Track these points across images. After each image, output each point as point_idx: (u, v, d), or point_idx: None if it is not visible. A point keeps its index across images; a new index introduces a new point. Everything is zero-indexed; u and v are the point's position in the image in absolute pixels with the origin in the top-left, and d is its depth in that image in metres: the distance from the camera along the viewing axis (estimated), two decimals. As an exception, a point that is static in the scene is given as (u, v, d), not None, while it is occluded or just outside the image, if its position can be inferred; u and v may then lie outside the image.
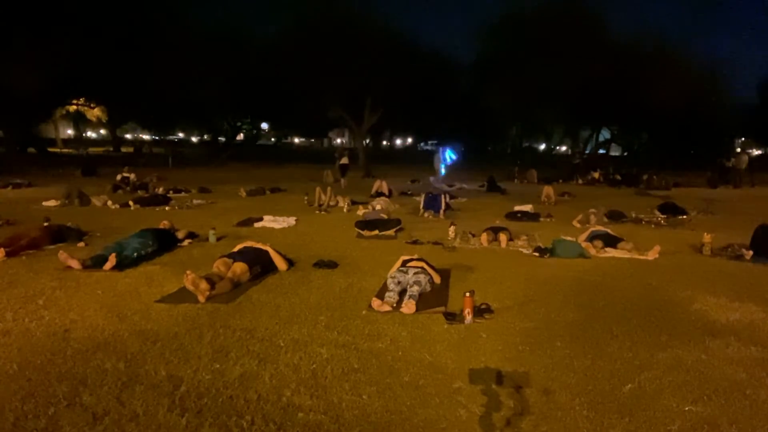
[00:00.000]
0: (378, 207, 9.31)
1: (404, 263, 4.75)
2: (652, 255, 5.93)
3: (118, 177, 14.05)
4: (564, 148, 48.90)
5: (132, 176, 14.09)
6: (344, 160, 17.46)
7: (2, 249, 5.30)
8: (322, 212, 9.69)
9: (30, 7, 19.59)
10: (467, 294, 3.70)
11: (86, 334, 3.36)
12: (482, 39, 33.26)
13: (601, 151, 40.63)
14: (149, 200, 10.44)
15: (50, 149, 32.91)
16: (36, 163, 22.33)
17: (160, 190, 12.47)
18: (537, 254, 6.00)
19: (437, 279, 4.61)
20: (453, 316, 3.75)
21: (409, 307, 3.87)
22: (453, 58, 35.17)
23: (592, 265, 5.56)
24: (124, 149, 37.96)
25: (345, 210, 9.90)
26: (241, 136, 44.28)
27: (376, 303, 3.94)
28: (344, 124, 36.41)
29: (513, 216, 9.13)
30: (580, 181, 19.48)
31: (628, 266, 5.56)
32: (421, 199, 10.05)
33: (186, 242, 6.32)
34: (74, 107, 33.57)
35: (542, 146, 53.00)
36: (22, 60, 19.39)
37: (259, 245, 5.19)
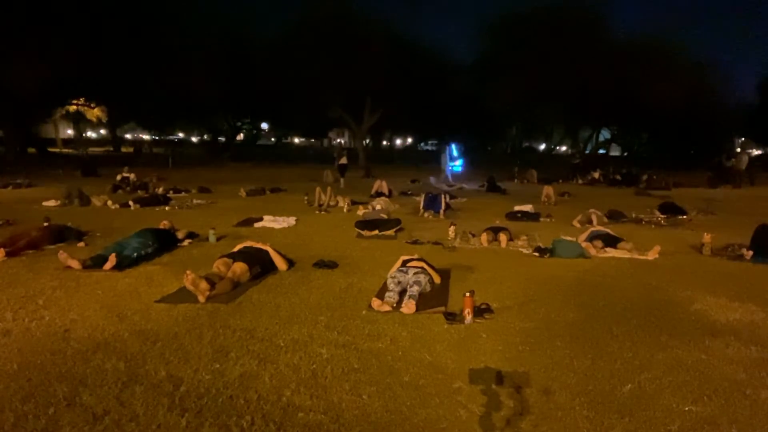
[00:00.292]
0: (378, 207, 9.31)
1: (404, 263, 4.75)
2: (652, 255, 5.93)
3: (118, 177, 14.05)
4: (564, 148, 48.89)
5: (132, 176, 14.09)
6: (343, 160, 17.47)
7: (2, 249, 5.31)
8: (322, 212, 9.69)
9: (30, 7, 19.59)
10: (467, 294, 3.70)
11: (86, 334, 3.37)
12: (482, 39, 33.33)
13: (601, 151, 40.64)
14: (149, 200, 10.44)
15: (50, 149, 32.92)
16: (36, 163, 22.34)
17: (160, 190, 12.46)
18: (537, 254, 6.00)
19: (437, 279, 4.61)
20: (453, 316, 3.75)
21: (409, 307, 3.87)
22: (453, 58, 35.22)
23: (592, 265, 5.56)
24: (124, 149, 37.97)
25: (345, 210, 9.90)
26: (241, 136, 44.30)
27: (376, 303, 3.94)
28: (344, 124, 36.41)
29: (513, 216, 9.13)
30: (580, 181, 19.48)
31: (628, 266, 5.56)
32: (421, 199, 10.04)
33: (186, 242, 6.32)
34: (74, 107, 33.57)
35: (542, 146, 53.00)
36: (22, 60, 19.39)
37: (259, 245, 5.19)
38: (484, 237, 6.71)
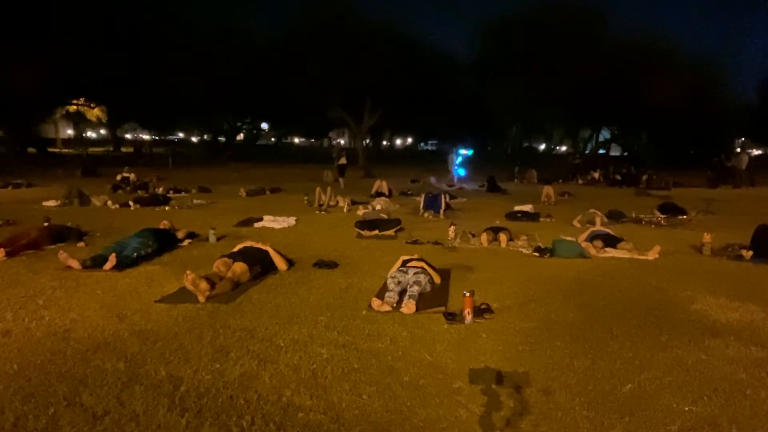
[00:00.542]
0: (378, 207, 9.32)
1: (404, 263, 4.75)
2: (652, 255, 5.92)
3: (118, 177, 14.06)
4: (564, 148, 48.89)
5: (132, 176, 14.10)
6: (342, 161, 17.46)
7: (2, 249, 5.31)
8: (322, 212, 9.70)
9: (30, 7, 19.59)
10: (467, 294, 3.70)
11: (86, 334, 3.37)
12: (482, 39, 33.26)
13: (601, 151, 40.64)
14: (149, 200, 10.44)
15: (50, 149, 32.92)
16: (36, 163, 22.33)
17: (160, 190, 12.47)
18: (537, 254, 6.00)
19: (437, 279, 4.61)
20: (453, 316, 3.75)
21: (409, 307, 3.87)
22: (453, 58, 35.12)
23: (592, 265, 5.56)
24: (124, 149, 37.95)
25: (345, 210, 9.90)
26: (241, 136, 44.28)
27: (376, 303, 3.94)
28: (344, 124, 36.42)
29: (513, 216, 9.13)
30: (580, 181, 19.49)
31: (628, 266, 5.56)
32: (421, 199, 10.04)
33: (186, 242, 6.32)
34: (74, 107, 33.58)
35: (542, 146, 53.00)
36: (22, 60, 19.40)
37: (259, 245, 5.19)
38: (484, 237, 6.71)
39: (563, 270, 5.31)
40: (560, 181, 18.69)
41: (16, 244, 5.54)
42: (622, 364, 3.04)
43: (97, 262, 4.98)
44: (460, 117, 34.41)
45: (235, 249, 5.15)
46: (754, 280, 5.05)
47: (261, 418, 2.38)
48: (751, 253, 5.87)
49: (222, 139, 41.24)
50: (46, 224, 6.59)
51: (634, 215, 9.24)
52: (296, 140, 60.19)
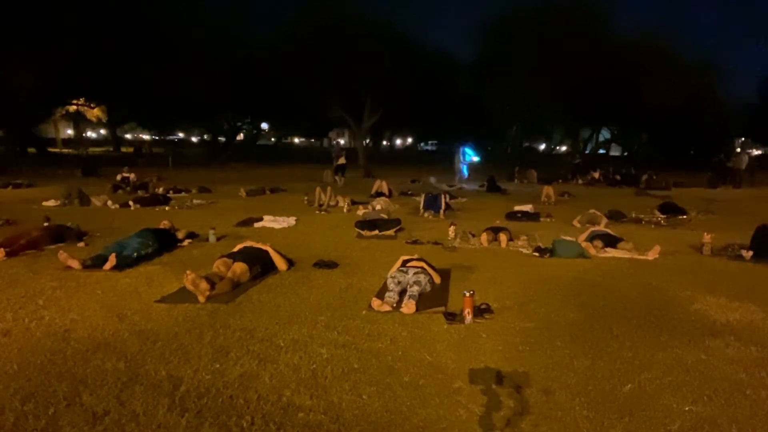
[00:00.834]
0: (378, 207, 9.31)
1: (404, 263, 4.75)
2: (652, 255, 5.92)
3: (118, 177, 14.06)
4: (564, 148, 48.89)
5: (132, 176, 14.11)
6: (341, 161, 17.44)
7: (2, 249, 5.31)
8: (322, 212, 9.70)
9: (30, 7, 19.58)
10: (467, 294, 3.69)
11: (86, 334, 3.37)
12: (482, 39, 33.28)
13: (601, 151, 40.63)
14: (149, 200, 10.45)
15: (50, 149, 32.89)
16: (36, 163, 22.33)
17: (160, 190, 12.47)
18: (537, 254, 6.00)
19: (437, 279, 4.61)
20: (453, 316, 3.75)
21: (409, 307, 3.87)
22: (453, 58, 35.15)
23: (592, 265, 5.56)
24: (124, 149, 37.94)
25: (345, 210, 9.90)
26: (241, 136, 44.25)
27: (376, 303, 3.94)
28: (344, 124, 36.42)
29: (513, 216, 9.13)
30: (580, 181, 19.49)
31: (628, 266, 5.56)
32: (421, 199, 10.04)
33: (186, 242, 6.32)
34: (74, 107, 33.57)
35: (542, 146, 52.97)
36: (22, 60, 19.39)
37: (259, 245, 5.19)
38: (484, 237, 6.71)
39: (563, 270, 5.31)
40: (560, 181, 18.69)
41: (16, 244, 5.54)
42: (622, 364, 3.04)
43: (97, 262, 4.98)
44: (460, 117, 34.41)
45: (235, 249, 5.15)
46: (754, 280, 5.05)
47: (261, 418, 2.38)
48: (751, 253, 5.87)
49: (222, 139, 41.22)
50: (46, 224, 6.59)
51: (634, 215, 9.24)
52: (296, 140, 60.16)
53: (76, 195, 10.25)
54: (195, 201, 11.08)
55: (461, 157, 18.83)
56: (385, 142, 53.01)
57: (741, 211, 10.55)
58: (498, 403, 2.55)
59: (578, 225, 8.18)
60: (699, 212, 9.97)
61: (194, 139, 52.79)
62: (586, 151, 37.14)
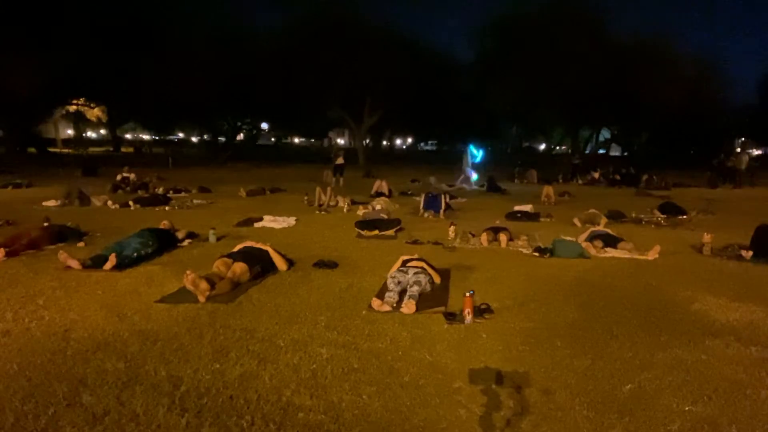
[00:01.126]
0: (378, 207, 9.31)
1: (404, 263, 4.75)
2: (652, 255, 5.92)
3: (118, 177, 14.05)
4: (564, 148, 48.91)
5: (132, 176, 14.10)
6: (339, 160, 17.44)
7: (2, 249, 5.31)
8: (322, 212, 9.70)
9: (30, 7, 19.58)
10: (467, 294, 3.70)
11: (86, 334, 3.37)
12: (482, 39, 33.28)
13: (601, 151, 40.63)
14: (149, 200, 10.44)
15: (50, 149, 32.91)
16: (36, 163, 22.34)
17: (160, 190, 12.47)
18: (537, 254, 6.00)
19: (437, 279, 4.61)
20: (453, 316, 3.75)
21: (409, 307, 3.87)
22: (453, 58, 35.16)
23: (592, 265, 5.56)
24: (124, 149, 37.96)
25: (345, 210, 9.90)
26: (241, 136, 44.26)
27: (376, 303, 3.94)
28: (344, 124, 36.43)
29: (513, 216, 9.13)
30: (580, 181, 19.48)
31: (628, 266, 5.56)
32: (421, 199, 10.04)
33: (186, 242, 6.32)
34: (74, 107, 33.59)
35: (542, 146, 52.99)
36: (22, 60, 19.40)
37: (259, 245, 5.19)
38: (484, 237, 6.71)
39: (563, 270, 5.31)
40: (560, 181, 18.68)
41: (16, 244, 5.54)
42: (622, 364, 3.04)
43: (97, 262, 4.98)
44: (460, 117, 34.40)
45: (235, 249, 5.15)
46: (754, 280, 5.05)
47: (261, 418, 2.38)
48: (751, 253, 5.87)
49: (222, 139, 41.23)
50: (46, 224, 6.59)
51: (634, 215, 9.23)
52: (296, 140, 60.18)
53: (76, 195, 10.25)
54: (195, 201, 11.08)
55: (469, 159, 18.33)
56: (385, 142, 53.01)
57: (741, 211, 10.54)
58: (498, 403, 2.55)
59: (579, 224, 8.18)
60: (699, 212, 9.97)
61: (194, 139, 52.80)
62: (586, 151, 37.13)
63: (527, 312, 3.95)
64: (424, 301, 4.06)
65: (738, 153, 21.87)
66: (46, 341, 3.23)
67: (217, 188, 13.69)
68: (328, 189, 10.90)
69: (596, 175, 20.06)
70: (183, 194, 12.36)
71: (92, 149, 37.21)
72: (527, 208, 9.71)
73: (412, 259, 4.81)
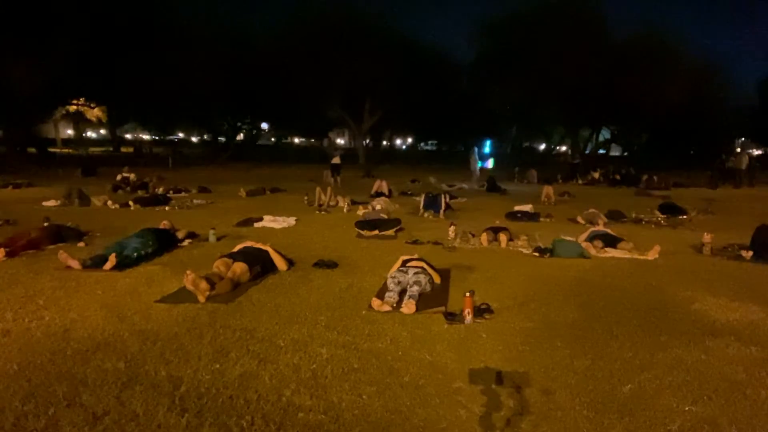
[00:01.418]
0: (378, 207, 9.30)
1: (404, 263, 4.75)
2: (652, 255, 5.92)
3: (118, 177, 14.06)
4: (564, 148, 48.89)
5: (132, 176, 14.11)
6: (336, 160, 17.44)
7: (2, 249, 5.31)
8: (322, 212, 9.70)
9: (30, 7, 19.58)
10: (467, 294, 3.70)
11: (86, 334, 3.37)
12: (482, 38, 33.24)
13: (601, 151, 40.60)
14: (149, 200, 10.45)
15: (50, 149, 32.89)
16: (36, 163, 22.32)
17: (160, 190, 12.47)
18: (537, 254, 6.00)
19: (437, 279, 4.61)
20: (453, 316, 3.75)
21: (409, 307, 3.87)
22: (453, 58, 35.14)
23: (592, 265, 5.56)
24: (124, 149, 37.93)
25: (345, 210, 9.90)
26: (241, 136, 44.26)
27: (376, 303, 3.94)
28: (344, 124, 36.42)
29: (513, 216, 9.13)
30: (580, 181, 19.49)
31: (628, 266, 5.56)
32: (421, 199, 10.04)
33: (186, 242, 6.32)
34: (74, 107, 33.57)
35: (542, 146, 52.98)
36: (22, 60, 19.39)
37: (259, 245, 5.19)
38: (484, 237, 6.71)
39: (563, 270, 5.31)
40: (560, 181, 18.68)
41: (16, 244, 5.54)
42: (622, 364, 3.04)
43: (97, 262, 4.98)
44: (460, 117, 34.39)
45: (235, 249, 5.15)
46: (754, 280, 5.05)
47: (261, 418, 2.38)
48: (751, 253, 5.87)
49: (222, 139, 41.23)
50: (46, 224, 6.59)
51: (634, 215, 9.24)
52: (296, 140, 60.16)
53: (76, 195, 10.25)
54: (195, 201, 11.08)
55: (476, 157, 17.92)
56: (385, 142, 53.01)
57: (741, 211, 10.55)
58: (498, 403, 2.55)
59: (582, 221, 8.20)
60: (699, 212, 9.97)
61: (194, 139, 52.82)
62: (586, 151, 37.11)
63: (527, 312, 3.95)
64: (424, 301, 4.06)
65: (738, 153, 21.89)
66: (46, 341, 3.23)
67: (217, 188, 13.69)
68: (328, 189, 10.90)
69: (596, 175, 20.07)
70: (183, 194, 12.36)
71: (92, 149, 37.22)
72: (527, 208, 9.70)
73: (412, 259, 4.81)
